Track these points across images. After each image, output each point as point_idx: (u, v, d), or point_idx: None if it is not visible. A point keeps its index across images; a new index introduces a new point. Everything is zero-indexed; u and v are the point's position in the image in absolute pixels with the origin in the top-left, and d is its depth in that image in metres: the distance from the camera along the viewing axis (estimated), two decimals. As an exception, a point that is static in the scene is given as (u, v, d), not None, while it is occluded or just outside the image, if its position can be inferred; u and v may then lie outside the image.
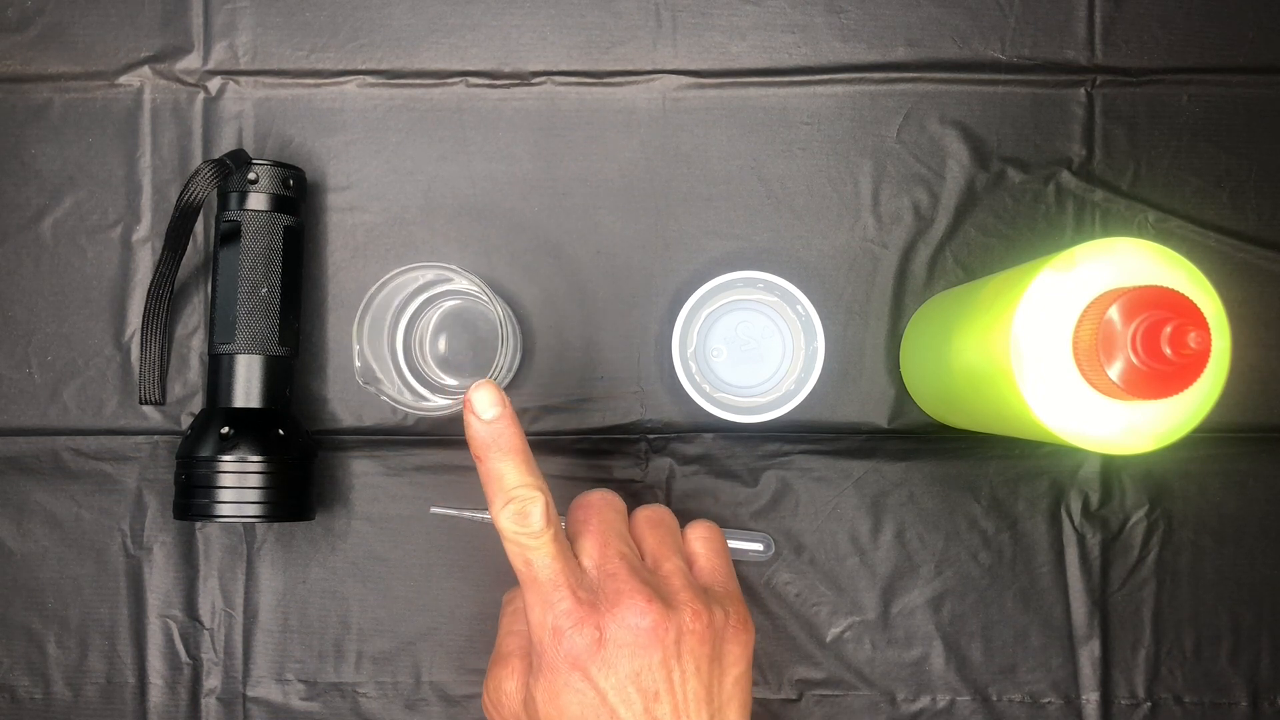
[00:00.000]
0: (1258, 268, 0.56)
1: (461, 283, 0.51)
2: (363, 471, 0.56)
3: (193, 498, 0.51)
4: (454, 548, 0.56)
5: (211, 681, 0.56)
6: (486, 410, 0.44)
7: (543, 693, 0.44)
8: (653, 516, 0.49)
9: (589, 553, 0.45)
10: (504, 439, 0.44)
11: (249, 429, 0.51)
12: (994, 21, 0.56)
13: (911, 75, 0.56)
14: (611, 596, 0.44)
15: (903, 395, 0.56)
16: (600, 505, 0.48)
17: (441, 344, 0.56)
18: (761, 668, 0.56)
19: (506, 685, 0.46)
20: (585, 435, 0.56)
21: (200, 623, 0.56)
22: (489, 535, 0.56)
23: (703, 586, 0.47)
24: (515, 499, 0.43)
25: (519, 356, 0.56)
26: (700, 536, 0.50)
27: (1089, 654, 0.55)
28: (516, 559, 0.43)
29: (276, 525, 0.56)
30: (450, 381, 0.56)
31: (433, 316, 0.56)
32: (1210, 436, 0.55)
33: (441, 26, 0.57)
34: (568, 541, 0.45)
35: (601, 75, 0.57)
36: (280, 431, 0.52)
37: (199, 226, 0.56)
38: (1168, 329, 0.37)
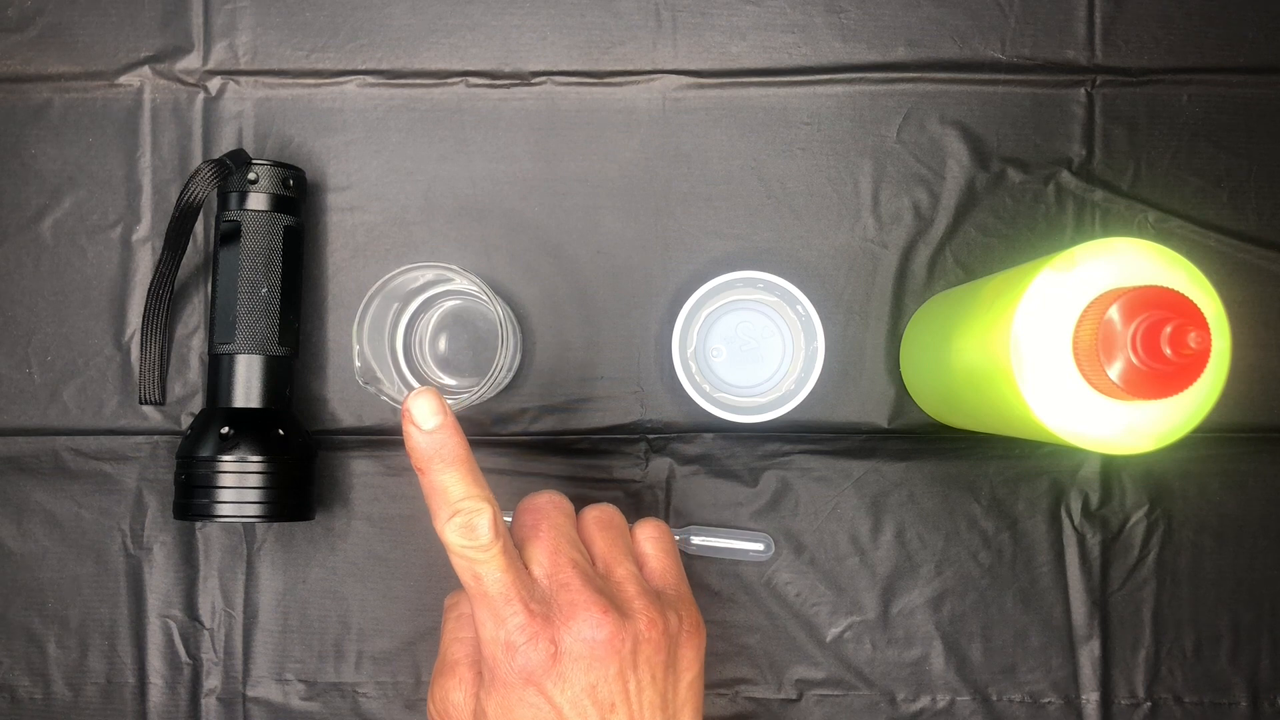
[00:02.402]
0: (1258, 268, 0.56)
1: (461, 283, 0.51)
2: (363, 471, 0.56)
3: (193, 498, 0.51)
4: (454, 548, 0.56)
5: (211, 681, 0.56)
6: (427, 420, 0.42)
7: (495, 707, 0.43)
8: (601, 518, 0.48)
9: (539, 561, 0.44)
10: (446, 449, 0.42)
11: (249, 429, 0.51)
12: (994, 21, 0.56)
13: (911, 75, 0.56)
14: (565, 608, 0.42)
15: (903, 395, 0.56)
16: (549, 509, 0.46)
17: (441, 344, 0.56)
18: (761, 668, 0.56)
19: (454, 696, 0.45)
20: (585, 435, 0.56)
21: (200, 623, 0.56)
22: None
23: (655, 590, 0.46)
24: (461, 511, 0.41)
25: (519, 356, 0.56)
26: (649, 537, 0.48)
27: (1089, 654, 0.55)
28: (464, 573, 0.42)
29: (276, 525, 0.56)
30: (450, 381, 0.56)
31: (433, 316, 0.56)
32: (1210, 436, 0.55)
33: (441, 26, 0.57)
34: (516, 551, 0.43)
35: (601, 75, 0.57)
36: (280, 431, 0.52)
37: (199, 226, 0.56)
38: (1168, 329, 0.37)
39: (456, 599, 0.48)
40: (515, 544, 0.44)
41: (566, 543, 0.45)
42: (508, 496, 0.55)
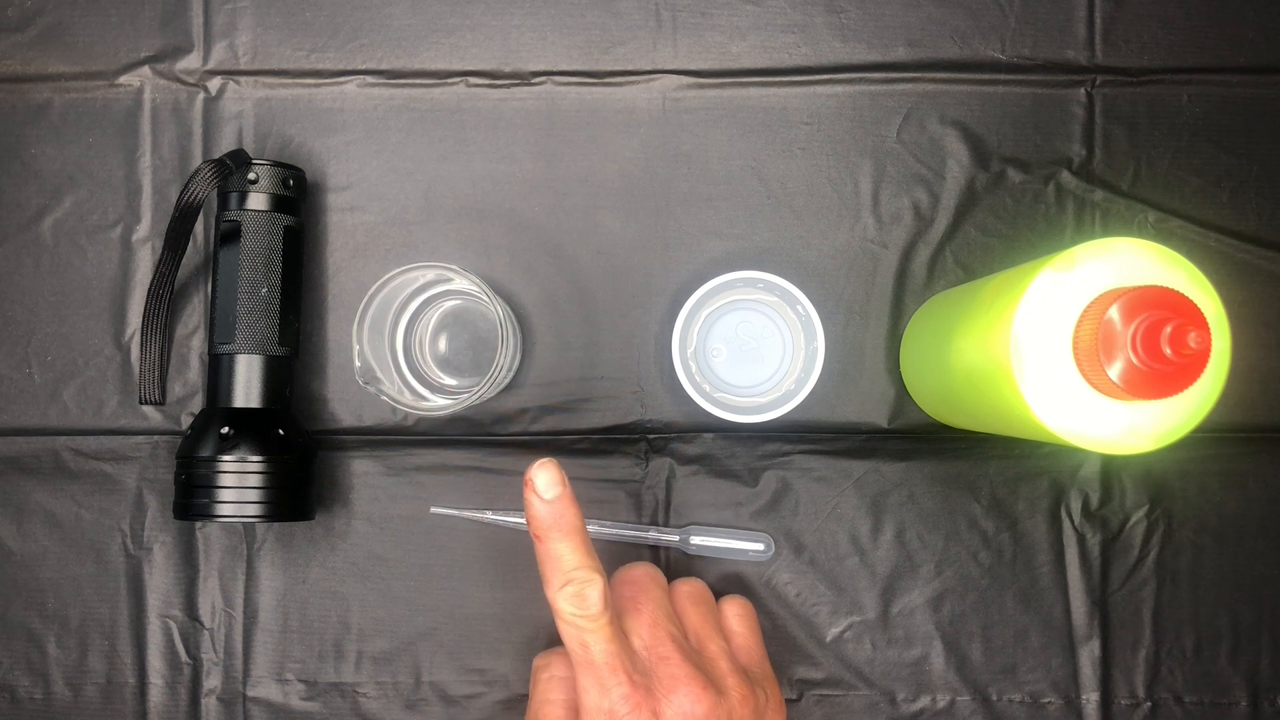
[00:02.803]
0: (1258, 268, 0.56)
1: (461, 283, 0.51)
2: (363, 471, 0.56)
3: (193, 498, 0.51)
4: (454, 548, 0.56)
5: (211, 681, 0.56)
6: (548, 490, 0.44)
7: None
8: (693, 593, 0.50)
9: (639, 633, 0.46)
10: (564, 519, 0.44)
11: (249, 429, 0.51)
12: (994, 21, 0.56)
13: (911, 75, 0.56)
14: (666, 681, 0.44)
15: (903, 395, 0.56)
16: (646, 582, 0.48)
17: (441, 344, 0.56)
18: (761, 668, 0.56)
19: None
20: (585, 435, 0.56)
21: (200, 623, 0.56)
22: (489, 535, 0.56)
23: (743, 667, 0.48)
24: (574, 580, 0.43)
25: (519, 356, 0.56)
26: (737, 614, 0.51)
27: (1089, 654, 0.55)
28: (572, 640, 0.44)
29: (276, 525, 0.56)
30: (450, 381, 0.56)
31: (433, 316, 0.56)
32: (1210, 436, 0.55)
33: (441, 26, 0.57)
34: (619, 622, 0.45)
35: (601, 75, 0.57)
36: (280, 431, 0.52)
37: (199, 226, 0.56)
38: (1168, 329, 0.37)
39: (548, 660, 0.50)
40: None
41: (664, 617, 0.47)
42: (510, 498, 0.56)
